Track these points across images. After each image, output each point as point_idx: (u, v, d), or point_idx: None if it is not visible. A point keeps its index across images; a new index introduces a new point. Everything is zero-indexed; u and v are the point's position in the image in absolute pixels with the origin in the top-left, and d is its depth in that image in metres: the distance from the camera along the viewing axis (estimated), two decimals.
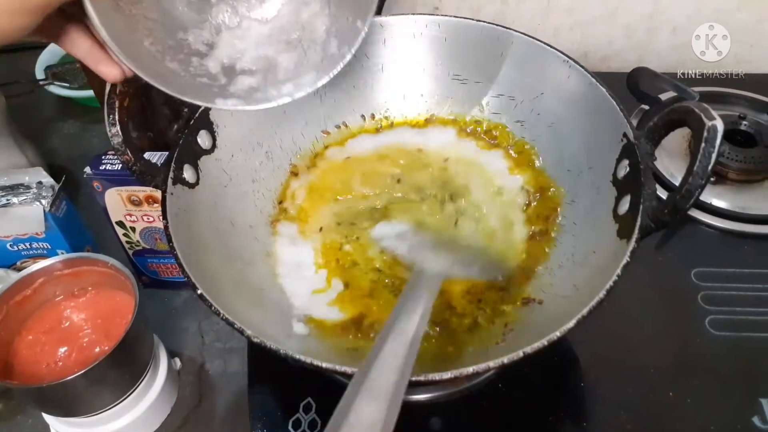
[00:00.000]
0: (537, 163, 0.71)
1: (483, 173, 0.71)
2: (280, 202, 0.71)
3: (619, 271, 0.49)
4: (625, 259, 0.49)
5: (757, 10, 0.98)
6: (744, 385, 0.65)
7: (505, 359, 0.44)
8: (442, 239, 0.65)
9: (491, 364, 0.44)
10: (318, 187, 0.72)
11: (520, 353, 0.45)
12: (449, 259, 0.62)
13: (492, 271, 0.63)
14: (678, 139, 0.87)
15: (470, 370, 0.44)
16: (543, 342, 0.45)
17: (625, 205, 0.56)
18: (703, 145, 0.47)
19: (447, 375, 0.44)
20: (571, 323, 0.46)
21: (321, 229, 0.68)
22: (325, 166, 0.74)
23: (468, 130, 0.75)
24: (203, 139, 0.63)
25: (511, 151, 0.72)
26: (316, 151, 0.76)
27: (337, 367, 0.45)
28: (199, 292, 0.49)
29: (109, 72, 0.50)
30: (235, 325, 0.48)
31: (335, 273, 0.65)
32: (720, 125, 0.47)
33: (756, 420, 0.61)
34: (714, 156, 0.47)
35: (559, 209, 0.66)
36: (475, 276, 0.62)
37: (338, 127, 0.77)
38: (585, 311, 0.47)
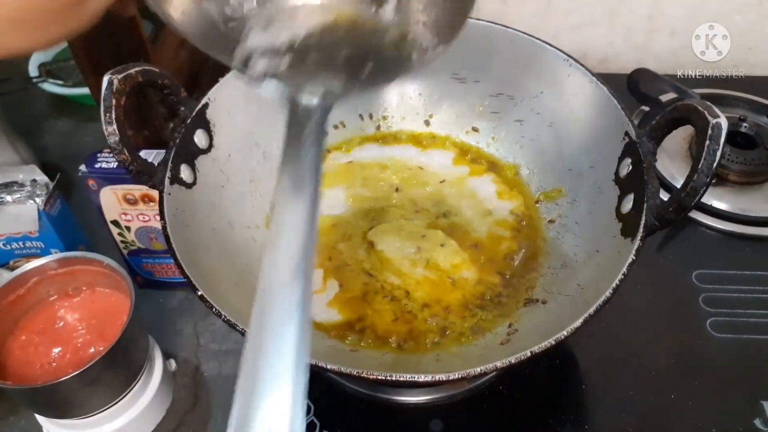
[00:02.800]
0: (526, 189, 0.71)
1: (474, 196, 0.71)
2: None
3: (624, 269, 0.48)
4: (631, 257, 0.49)
5: (755, 13, 0.98)
6: (745, 388, 0.64)
7: (513, 359, 0.44)
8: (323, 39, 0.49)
9: (499, 364, 0.44)
10: None
11: (528, 353, 0.44)
12: (335, 74, 0.47)
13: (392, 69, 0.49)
14: (678, 140, 0.87)
15: (478, 370, 0.44)
16: (551, 341, 0.44)
17: (628, 204, 0.56)
18: (707, 142, 0.47)
19: (454, 375, 0.44)
20: (578, 322, 0.45)
21: None
22: (326, 168, 0.74)
23: (468, 158, 0.75)
24: (200, 139, 0.62)
25: (501, 177, 0.73)
26: None
27: (343, 369, 0.45)
28: (199, 293, 0.49)
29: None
30: (237, 327, 0.47)
31: (329, 273, 0.64)
32: (724, 123, 0.47)
33: (758, 422, 0.61)
34: (719, 153, 0.47)
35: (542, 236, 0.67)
36: (370, 85, 0.49)
37: (336, 127, 0.77)
38: (592, 310, 0.46)
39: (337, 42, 0.48)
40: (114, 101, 0.52)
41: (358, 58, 0.47)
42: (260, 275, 0.36)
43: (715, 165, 0.47)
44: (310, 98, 0.43)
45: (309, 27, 0.47)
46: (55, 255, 0.62)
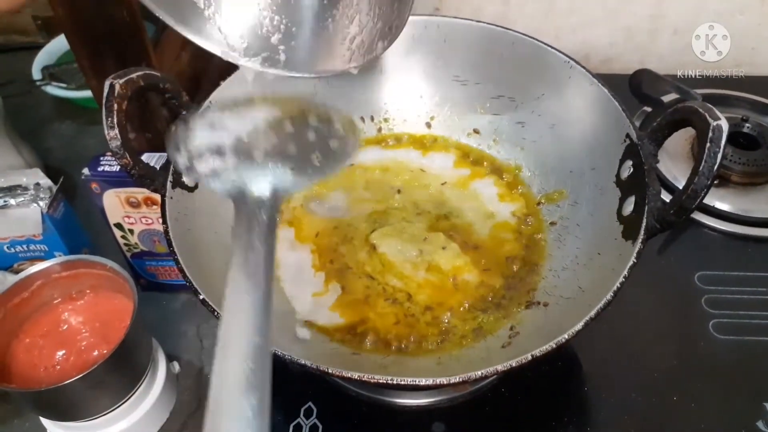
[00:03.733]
0: (527, 191, 0.71)
1: (476, 198, 0.72)
2: None
3: (626, 272, 0.48)
4: (632, 260, 0.49)
5: (757, 13, 0.98)
6: (748, 389, 0.64)
7: (514, 362, 0.44)
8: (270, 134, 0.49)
9: (500, 367, 0.44)
10: (317, 192, 0.72)
11: (529, 356, 0.44)
12: (285, 166, 0.46)
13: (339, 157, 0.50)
14: (680, 141, 0.87)
15: (479, 373, 0.44)
16: (551, 344, 0.44)
17: (629, 206, 0.56)
18: (708, 144, 0.47)
19: (455, 379, 0.44)
20: (579, 325, 0.45)
21: (317, 234, 0.68)
22: None
23: (470, 160, 0.75)
24: None
25: (503, 179, 0.73)
26: None
27: (344, 372, 0.45)
28: (201, 297, 0.49)
29: None
30: None
31: (331, 276, 0.65)
32: (725, 125, 0.47)
33: (760, 424, 0.61)
34: (719, 155, 0.47)
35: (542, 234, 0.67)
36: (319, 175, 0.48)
37: None
38: (593, 313, 0.46)
39: (286, 135, 0.48)
40: (116, 105, 0.52)
41: (306, 149, 0.47)
42: (210, 387, 0.34)
43: (716, 167, 0.47)
44: (262, 190, 0.43)
45: (256, 122, 0.48)
46: (59, 258, 0.62)
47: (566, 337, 0.45)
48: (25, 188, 0.69)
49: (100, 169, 0.65)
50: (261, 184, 0.44)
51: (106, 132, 0.53)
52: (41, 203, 0.68)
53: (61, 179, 0.72)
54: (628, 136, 0.58)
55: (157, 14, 0.47)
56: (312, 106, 0.51)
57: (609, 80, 0.63)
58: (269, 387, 0.33)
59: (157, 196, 0.57)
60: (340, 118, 0.51)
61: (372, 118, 0.78)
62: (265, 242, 0.40)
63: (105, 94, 0.52)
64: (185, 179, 0.47)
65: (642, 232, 0.51)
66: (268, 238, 0.40)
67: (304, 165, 0.46)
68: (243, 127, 0.47)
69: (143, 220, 0.68)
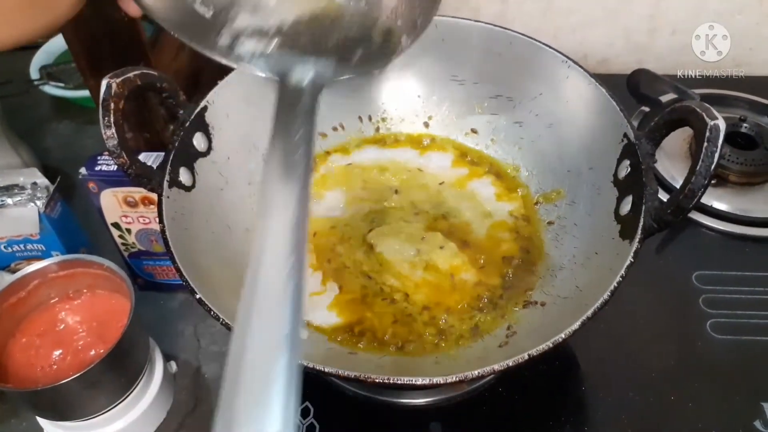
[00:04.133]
0: (525, 191, 0.71)
1: (473, 198, 0.72)
2: None
3: (623, 271, 0.48)
4: (629, 259, 0.49)
5: (756, 13, 0.98)
6: (746, 389, 0.64)
7: (510, 362, 0.44)
8: (313, 25, 0.50)
9: (496, 367, 0.44)
10: (314, 192, 0.72)
11: (525, 356, 0.44)
12: (326, 57, 0.48)
13: (380, 57, 0.52)
14: (678, 141, 0.87)
15: (475, 373, 0.44)
16: (548, 344, 0.44)
17: (626, 206, 0.56)
18: (705, 144, 0.46)
19: (451, 378, 0.44)
20: (576, 325, 0.45)
21: (315, 234, 0.68)
22: (325, 170, 0.74)
23: (468, 159, 0.75)
24: (199, 142, 0.62)
25: (500, 179, 0.73)
26: (316, 155, 0.75)
27: (341, 372, 0.45)
28: (198, 296, 0.49)
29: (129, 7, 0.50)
30: None
31: (329, 275, 0.64)
32: (722, 124, 0.47)
33: (758, 424, 0.61)
34: (717, 155, 0.47)
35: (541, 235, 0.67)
36: (360, 70, 0.51)
37: (335, 129, 0.77)
38: (589, 312, 0.46)
39: (327, 28, 0.49)
40: (113, 105, 0.52)
41: (348, 45, 0.49)
42: (250, 262, 0.34)
43: (713, 167, 0.47)
44: (301, 77, 0.44)
45: (298, 13, 0.48)
46: (56, 258, 0.62)
47: (563, 336, 0.45)
48: (23, 187, 0.69)
49: (98, 168, 0.65)
50: (302, 68, 0.45)
51: (102, 131, 0.53)
52: (38, 203, 0.68)
53: (59, 179, 0.72)
54: (625, 135, 0.58)
55: (175, 35, 0.49)
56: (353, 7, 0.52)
57: (607, 80, 0.63)
58: (305, 270, 0.34)
59: (155, 196, 0.56)
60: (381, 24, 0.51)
61: (370, 118, 0.78)
62: (304, 125, 0.41)
63: (102, 93, 0.52)
64: (224, 61, 0.48)
65: (639, 231, 0.51)
66: (308, 121, 0.41)
67: (347, 56, 0.48)
68: (288, 11, 0.48)
69: (140, 219, 0.68)
